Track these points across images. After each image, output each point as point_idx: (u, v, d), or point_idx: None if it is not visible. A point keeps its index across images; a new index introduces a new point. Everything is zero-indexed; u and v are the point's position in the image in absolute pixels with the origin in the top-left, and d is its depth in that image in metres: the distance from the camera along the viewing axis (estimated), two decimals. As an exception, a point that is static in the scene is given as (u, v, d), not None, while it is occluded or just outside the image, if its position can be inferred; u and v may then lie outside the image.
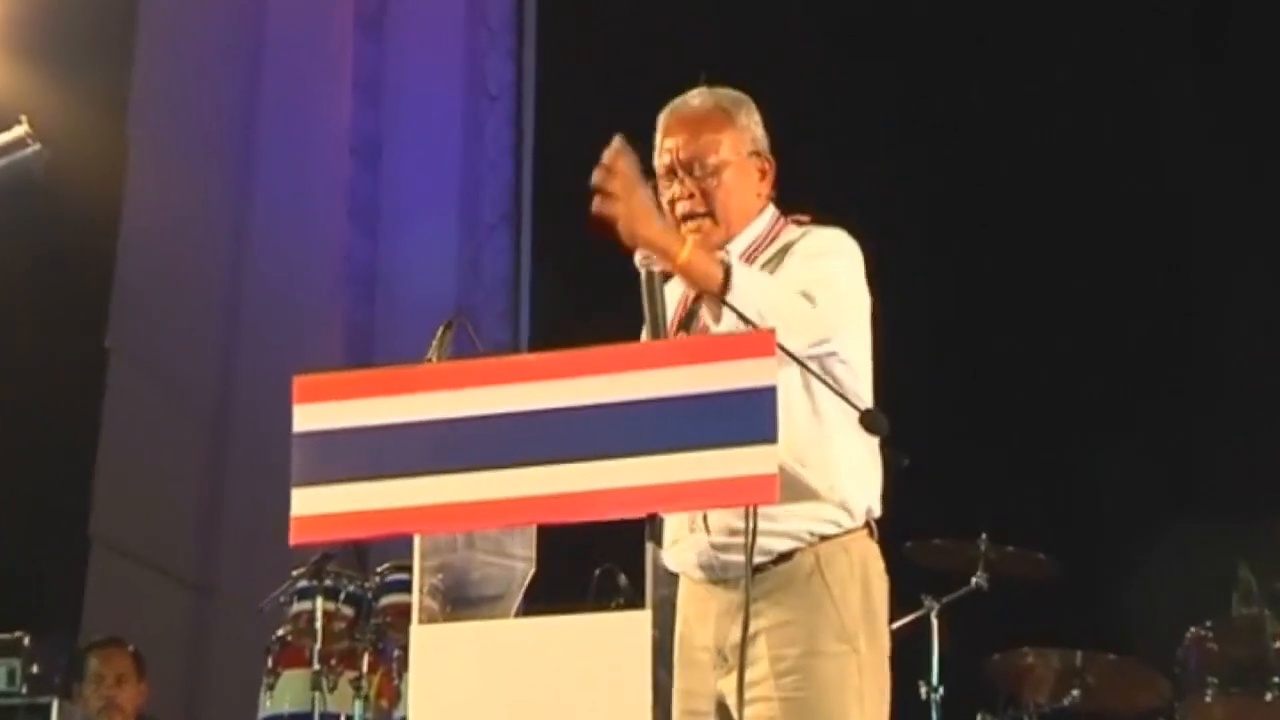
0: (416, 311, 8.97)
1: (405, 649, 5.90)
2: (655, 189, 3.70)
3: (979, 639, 6.38)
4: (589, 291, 3.58)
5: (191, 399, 9.16)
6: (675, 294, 3.62)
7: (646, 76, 4.74)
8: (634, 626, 2.89)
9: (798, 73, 7.76)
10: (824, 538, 3.59)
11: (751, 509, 3.18)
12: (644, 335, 3.36)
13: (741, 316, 3.34)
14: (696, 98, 3.76)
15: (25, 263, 7.65)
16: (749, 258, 3.67)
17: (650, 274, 3.32)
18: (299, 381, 3.05)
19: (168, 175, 8.73)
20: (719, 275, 3.38)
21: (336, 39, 9.87)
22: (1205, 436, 7.28)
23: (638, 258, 3.35)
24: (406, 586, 6.25)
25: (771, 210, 3.77)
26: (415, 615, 3.08)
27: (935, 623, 6.30)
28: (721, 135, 3.71)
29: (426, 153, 9.86)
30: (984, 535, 6.32)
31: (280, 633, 6.80)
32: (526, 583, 3.15)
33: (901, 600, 4.58)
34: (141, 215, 8.65)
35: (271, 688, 6.76)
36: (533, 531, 3.14)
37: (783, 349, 3.01)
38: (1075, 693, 6.26)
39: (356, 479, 2.97)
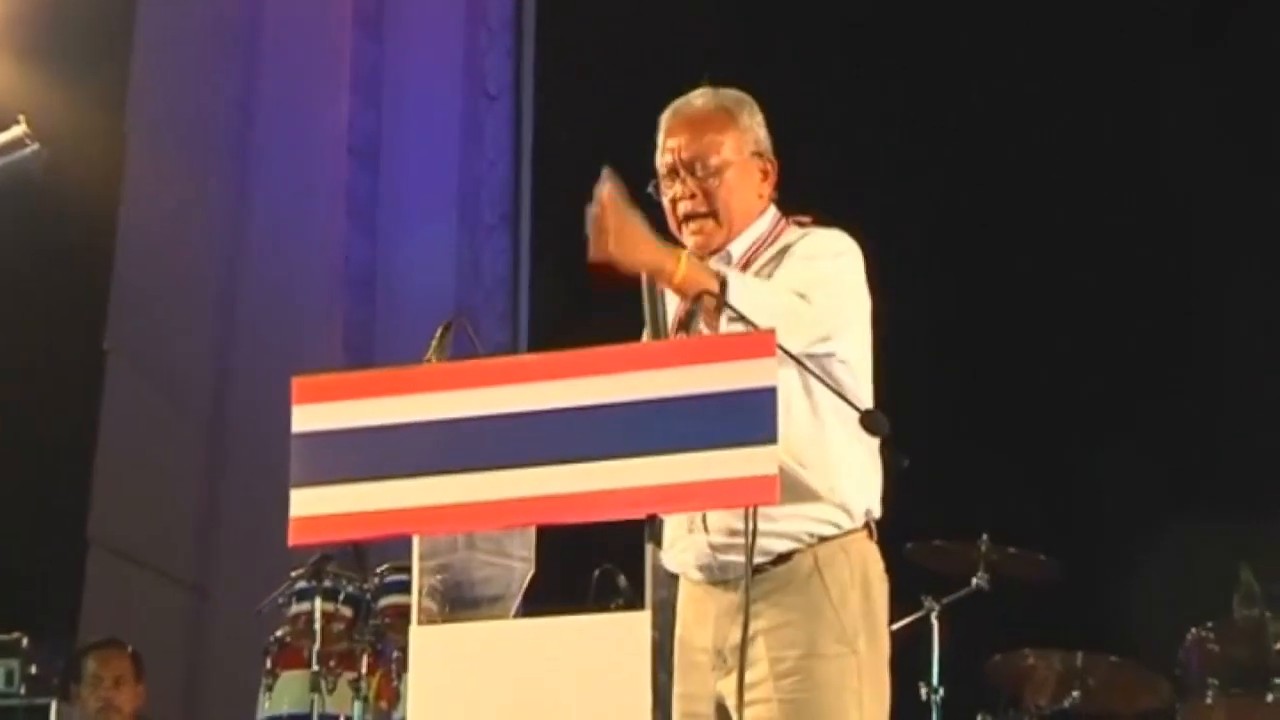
0: (416, 312, 8.96)
1: (404, 650, 5.91)
2: (656, 188, 3.70)
3: (979, 640, 6.38)
4: (589, 292, 3.55)
5: (190, 400, 9.15)
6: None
7: (646, 76, 4.73)
8: (633, 627, 2.89)
9: (798, 73, 7.75)
10: (823, 539, 3.58)
11: (751, 510, 3.17)
12: (644, 336, 3.36)
13: (742, 319, 3.33)
14: (699, 98, 3.75)
15: (24, 263, 7.65)
16: (749, 258, 3.67)
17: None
18: (298, 382, 3.05)
19: (166, 175, 8.73)
20: (715, 288, 3.37)
21: (335, 38, 9.85)
22: (1205, 436, 7.27)
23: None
24: (405, 587, 6.24)
25: (773, 211, 3.76)
26: (414, 616, 3.07)
27: (936, 624, 6.29)
28: (724, 135, 3.70)
29: (426, 153, 9.84)
30: (985, 536, 6.31)
31: (279, 634, 6.80)
32: (526, 584, 3.15)
33: (902, 601, 4.58)
34: (140, 215, 8.65)
35: (270, 689, 6.75)
36: (532, 532, 3.13)
37: (782, 349, 3.00)
38: (1076, 694, 6.26)
39: (355, 480, 2.97)
